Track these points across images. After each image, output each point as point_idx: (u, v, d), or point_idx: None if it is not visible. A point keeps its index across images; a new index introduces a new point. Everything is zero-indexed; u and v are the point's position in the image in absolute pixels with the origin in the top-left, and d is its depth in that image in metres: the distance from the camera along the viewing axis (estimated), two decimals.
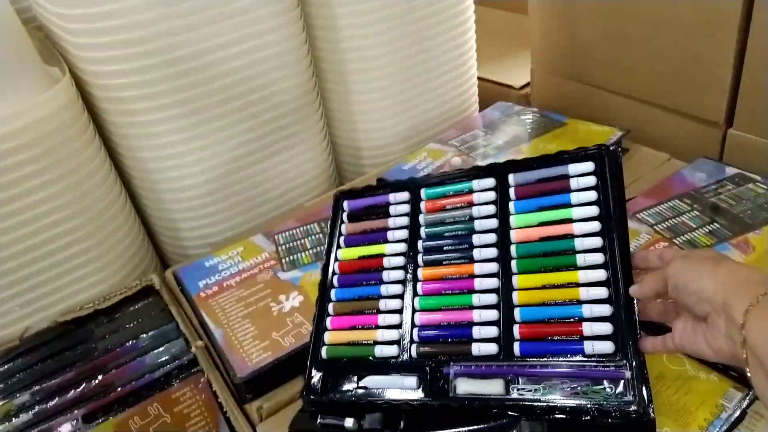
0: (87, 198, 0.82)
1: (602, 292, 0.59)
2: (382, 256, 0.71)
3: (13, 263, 0.79)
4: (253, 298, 0.79)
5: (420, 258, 0.69)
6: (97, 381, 0.75)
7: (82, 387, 0.74)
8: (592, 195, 0.64)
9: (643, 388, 0.55)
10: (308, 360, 0.68)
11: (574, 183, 0.65)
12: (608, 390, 0.56)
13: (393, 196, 0.75)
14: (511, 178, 0.69)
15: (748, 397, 0.62)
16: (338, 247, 0.75)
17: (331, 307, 0.70)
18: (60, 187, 0.79)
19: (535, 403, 0.57)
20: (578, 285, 0.60)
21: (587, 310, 0.58)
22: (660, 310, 0.58)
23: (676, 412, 0.61)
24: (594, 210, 0.63)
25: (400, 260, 0.70)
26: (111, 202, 0.87)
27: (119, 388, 0.74)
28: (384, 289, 0.69)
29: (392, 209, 0.75)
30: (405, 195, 0.75)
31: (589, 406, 0.56)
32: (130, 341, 0.80)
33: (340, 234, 0.76)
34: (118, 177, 0.92)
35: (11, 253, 0.78)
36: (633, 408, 0.54)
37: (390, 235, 0.73)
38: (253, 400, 0.71)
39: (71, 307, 0.86)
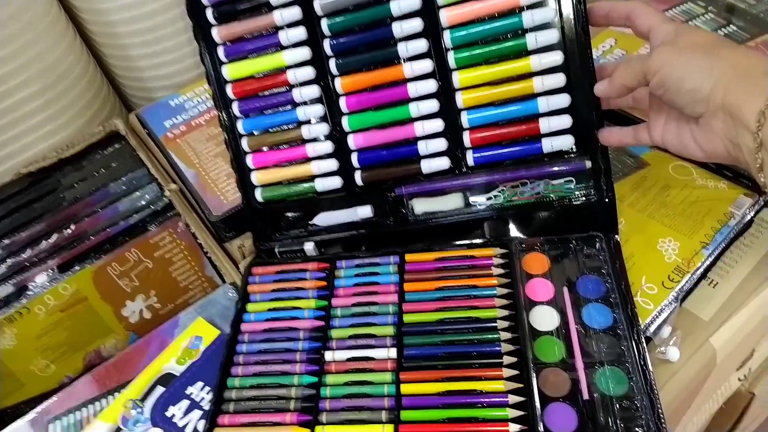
0: (39, 41, 0.70)
1: (559, 80, 0.48)
2: (283, 70, 0.54)
3: None
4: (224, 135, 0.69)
5: (333, 64, 0.54)
6: (70, 230, 0.68)
7: (54, 237, 0.67)
8: None
9: (603, 178, 0.50)
10: (245, 207, 0.59)
11: None
12: (568, 184, 0.51)
13: None
14: None
15: (758, 204, 0.55)
16: (220, 63, 0.56)
17: (244, 142, 0.57)
18: (11, 30, 0.67)
19: (498, 208, 0.52)
20: (531, 75, 0.49)
21: (543, 103, 0.49)
22: (631, 99, 0.49)
23: (682, 222, 0.54)
24: None
25: (308, 71, 0.54)
26: (62, 41, 0.74)
27: (92, 237, 0.67)
28: (301, 113, 0.55)
29: None
30: None
31: (549, 200, 0.51)
32: (101, 189, 0.72)
33: (214, 44, 0.55)
34: (71, 20, 0.78)
35: None
36: (593, 196, 0.50)
37: (282, 37, 0.53)
38: (234, 239, 0.64)
39: (33, 157, 0.76)
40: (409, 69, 0.51)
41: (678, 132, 0.43)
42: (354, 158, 0.54)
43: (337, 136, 0.54)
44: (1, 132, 0.73)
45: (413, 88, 0.51)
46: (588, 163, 0.50)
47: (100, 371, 0.54)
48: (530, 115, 0.49)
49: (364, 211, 0.55)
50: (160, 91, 0.85)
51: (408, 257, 0.53)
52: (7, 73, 0.70)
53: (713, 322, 0.51)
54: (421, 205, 0.54)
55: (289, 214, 0.58)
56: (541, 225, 0.52)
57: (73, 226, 0.69)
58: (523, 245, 0.51)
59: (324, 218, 0.56)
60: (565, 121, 0.49)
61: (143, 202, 0.70)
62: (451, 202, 0.53)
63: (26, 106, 0.74)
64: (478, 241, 0.53)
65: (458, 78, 0.50)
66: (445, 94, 0.51)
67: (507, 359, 0.45)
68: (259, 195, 0.58)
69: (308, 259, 0.57)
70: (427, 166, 0.52)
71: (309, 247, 0.56)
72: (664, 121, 0.45)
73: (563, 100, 0.49)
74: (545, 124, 0.49)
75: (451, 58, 0.50)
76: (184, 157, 0.69)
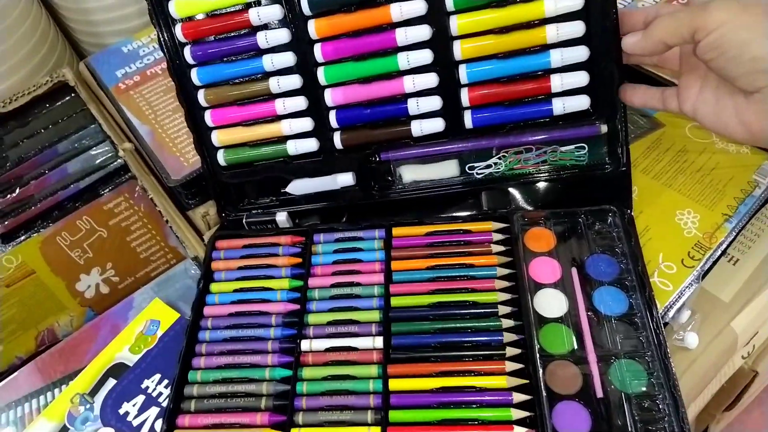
0: None
1: (577, 28, 0.40)
2: (245, 8, 0.45)
3: None
4: None
5: (304, 1, 0.44)
6: (14, 195, 0.60)
7: None
8: None
9: (621, 146, 0.43)
10: (206, 172, 0.50)
11: None
12: (579, 151, 0.44)
13: None
14: None
15: None
16: None
17: (201, 96, 0.48)
18: None
19: (497, 177, 0.45)
20: (544, 22, 0.41)
21: (557, 57, 0.41)
22: (660, 57, 0.41)
23: (701, 191, 0.48)
24: None
25: (275, 10, 0.44)
26: None
27: (39, 202, 0.59)
28: (267, 62, 0.45)
29: None
30: None
31: (556, 169, 0.45)
32: (48, 148, 0.63)
33: None
34: None
35: None
36: (607, 165, 0.44)
37: None
38: (197, 207, 0.56)
39: None
40: (397, 10, 0.42)
41: (716, 105, 0.36)
42: (332, 117, 0.46)
43: (311, 90, 0.46)
44: None
45: (402, 35, 0.43)
46: (603, 128, 0.43)
47: (44, 360, 0.47)
48: (540, 70, 0.42)
49: (345, 179, 0.47)
50: (113, 36, 0.74)
51: (395, 231, 0.46)
52: None
53: (734, 303, 0.45)
54: (410, 173, 0.47)
55: (258, 181, 0.50)
56: (546, 197, 0.45)
57: (18, 190, 0.60)
58: (526, 219, 0.45)
59: (298, 186, 0.49)
60: (581, 78, 0.41)
61: (95, 163, 0.61)
62: (444, 170, 0.46)
63: None
64: (475, 213, 0.47)
65: (456, 23, 0.42)
66: (441, 42, 0.42)
67: (510, 351, 0.39)
68: (221, 158, 0.49)
69: (281, 231, 0.49)
70: (418, 128, 0.45)
71: (282, 218, 0.49)
72: (698, 90, 0.37)
73: (581, 53, 0.41)
74: (557, 82, 0.41)
75: None
76: (138, 112, 0.60)
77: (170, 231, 0.64)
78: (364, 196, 0.48)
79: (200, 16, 0.47)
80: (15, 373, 0.47)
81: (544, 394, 0.37)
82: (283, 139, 0.48)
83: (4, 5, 0.65)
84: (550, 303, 0.41)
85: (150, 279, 0.65)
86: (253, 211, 0.50)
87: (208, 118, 0.48)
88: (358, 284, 0.44)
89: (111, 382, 0.43)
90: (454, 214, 0.46)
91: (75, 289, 0.61)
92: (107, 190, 0.59)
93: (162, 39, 0.47)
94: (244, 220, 0.50)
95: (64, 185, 0.60)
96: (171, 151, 0.56)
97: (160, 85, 0.61)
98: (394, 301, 0.43)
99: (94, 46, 0.77)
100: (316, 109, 0.46)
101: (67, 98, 0.68)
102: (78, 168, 0.61)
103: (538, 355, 0.38)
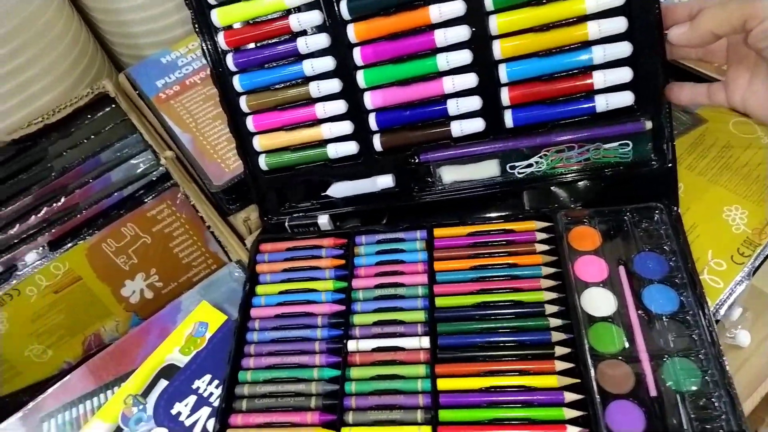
0: None
1: (619, 24, 0.40)
2: (285, 14, 0.45)
3: None
4: None
5: (343, 6, 0.44)
6: (59, 204, 0.61)
7: (43, 211, 0.60)
8: None
9: (667, 142, 0.42)
10: (248, 177, 0.51)
11: None
12: (623, 148, 0.43)
13: None
14: None
15: None
16: (208, 6, 0.46)
17: (243, 102, 0.49)
18: None
19: (539, 176, 0.45)
20: (585, 18, 0.40)
21: (599, 53, 0.41)
22: (701, 50, 0.40)
23: (747, 187, 0.47)
24: None
25: (315, 16, 0.45)
26: None
27: (84, 210, 0.60)
28: (308, 67, 0.46)
29: None
30: None
31: (600, 166, 0.44)
32: (91, 158, 0.64)
33: None
34: None
35: None
36: (653, 161, 0.43)
37: None
38: (238, 212, 0.57)
39: (16, 124, 0.69)
40: (436, 12, 0.42)
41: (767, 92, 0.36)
42: (371, 119, 0.46)
43: (350, 93, 0.46)
44: None
45: (441, 36, 0.43)
46: (648, 124, 0.42)
47: (96, 362, 0.48)
48: (582, 67, 0.41)
49: (385, 181, 0.48)
50: (151, 48, 0.76)
51: (436, 232, 0.46)
52: None
53: None
54: (449, 174, 0.47)
55: (299, 185, 0.50)
56: (590, 195, 0.45)
57: (63, 199, 0.61)
58: (570, 218, 0.44)
59: (339, 189, 0.49)
60: (625, 74, 0.41)
61: (138, 172, 0.63)
62: (484, 170, 0.46)
63: (5, 65, 0.66)
64: (517, 213, 0.46)
65: (496, 22, 0.42)
66: (480, 42, 0.42)
67: (559, 350, 0.39)
68: (263, 162, 0.50)
69: (323, 234, 0.50)
70: (458, 128, 0.45)
71: (323, 220, 0.49)
72: (747, 81, 0.37)
73: (623, 48, 0.40)
74: (600, 78, 0.41)
75: None
76: (179, 120, 0.61)
77: (210, 236, 0.65)
78: (404, 197, 0.48)
79: (239, 25, 0.48)
80: (68, 376, 0.48)
81: (597, 393, 0.37)
82: (324, 142, 0.48)
83: (47, 21, 0.67)
84: (598, 302, 0.40)
85: (192, 284, 0.66)
86: (295, 215, 0.51)
87: (250, 123, 0.49)
88: (401, 285, 0.44)
89: (163, 383, 0.44)
90: (496, 214, 0.46)
91: (120, 294, 0.62)
92: (150, 197, 0.60)
93: (205, 48, 0.48)
94: (286, 224, 0.50)
95: (108, 193, 0.61)
96: (212, 158, 0.57)
97: (199, 93, 0.62)
98: (439, 302, 0.43)
99: (132, 58, 0.78)
100: (356, 112, 0.47)
101: (108, 109, 0.69)
102: (121, 176, 0.62)
103: (588, 355, 0.38)
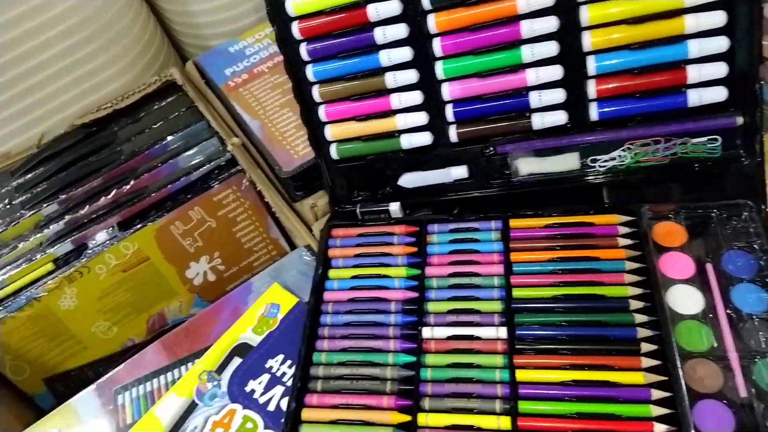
0: None
1: (718, 18, 0.39)
2: (363, 3, 0.45)
3: (17, 57, 0.63)
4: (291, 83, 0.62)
5: None
6: (128, 186, 0.63)
7: (113, 193, 0.62)
8: None
9: (758, 138, 0.41)
10: (320, 165, 0.51)
11: None
12: (711, 143, 0.42)
13: None
14: None
15: None
16: None
17: (315, 91, 0.48)
18: None
19: (622, 170, 0.44)
20: (681, 12, 0.39)
21: (695, 47, 0.40)
22: None
23: None
24: None
25: (394, 5, 0.45)
26: None
27: (153, 193, 0.61)
28: (384, 57, 0.46)
29: None
30: None
31: (686, 161, 0.43)
32: (159, 143, 0.66)
33: None
34: None
35: (16, 48, 0.63)
36: (742, 157, 0.42)
37: None
38: (304, 198, 0.58)
39: (87, 108, 0.71)
40: (524, 2, 0.41)
41: None
42: (448, 111, 0.46)
43: (427, 84, 0.46)
44: (52, 81, 0.68)
45: (528, 27, 0.42)
46: (740, 120, 0.41)
47: (170, 338, 0.49)
48: (676, 61, 0.40)
49: (459, 172, 0.47)
50: (214, 38, 0.77)
51: (512, 223, 0.46)
52: (56, 16, 0.64)
53: None
54: (527, 166, 0.46)
55: (370, 174, 0.51)
56: (674, 190, 0.44)
57: (132, 182, 0.63)
58: (653, 213, 0.43)
59: (410, 179, 0.49)
60: (720, 69, 0.40)
61: (204, 157, 0.64)
62: (563, 163, 0.45)
63: (77, 53, 0.68)
64: (597, 207, 0.45)
65: (587, 13, 0.41)
66: (569, 34, 0.42)
67: (645, 346, 0.38)
68: (334, 152, 0.50)
69: (394, 221, 0.50)
70: (540, 120, 0.44)
71: (395, 208, 0.49)
72: None
73: (720, 43, 0.39)
74: (695, 73, 0.40)
75: None
76: (248, 107, 0.62)
77: (271, 223, 0.65)
78: (478, 188, 0.48)
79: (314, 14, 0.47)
80: (142, 351, 0.49)
81: (685, 391, 0.36)
82: (397, 133, 0.48)
83: (118, 10, 0.69)
84: (684, 299, 0.39)
85: (252, 268, 0.67)
86: (365, 202, 0.51)
87: (322, 113, 0.49)
88: (476, 275, 0.44)
89: (236, 361, 0.44)
90: (574, 207, 0.46)
91: (185, 276, 0.63)
92: (216, 182, 0.61)
93: (279, 37, 0.48)
94: (357, 210, 0.50)
95: (176, 177, 0.63)
96: (281, 145, 0.58)
97: (267, 82, 0.63)
98: (516, 293, 0.42)
99: (195, 47, 0.80)
100: (432, 103, 0.46)
101: (175, 96, 0.71)
102: (188, 162, 0.64)
103: (676, 353, 0.37)
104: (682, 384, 0.36)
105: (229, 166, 0.63)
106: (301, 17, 0.47)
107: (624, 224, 0.43)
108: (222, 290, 0.66)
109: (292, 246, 0.68)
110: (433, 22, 0.44)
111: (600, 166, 0.45)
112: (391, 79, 0.47)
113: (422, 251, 0.47)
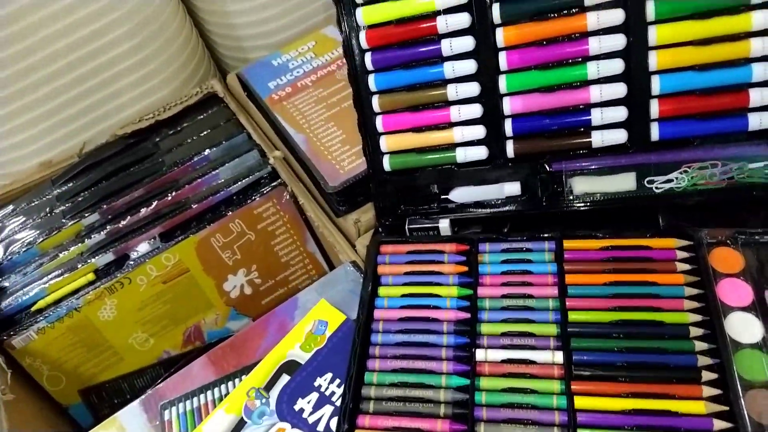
0: None
1: None
2: (432, 15, 0.45)
3: (62, 66, 0.65)
4: (335, 98, 0.63)
5: (496, 9, 0.44)
6: (170, 197, 0.63)
7: (154, 204, 0.62)
8: None
9: None
10: (370, 176, 0.51)
11: None
12: (767, 169, 0.42)
13: None
14: None
15: None
16: (354, 5, 0.47)
17: (375, 100, 0.48)
18: None
19: (679, 192, 0.43)
20: (748, 35, 0.39)
21: (759, 71, 0.39)
22: None
23: None
24: None
25: (463, 18, 0.45)
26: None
27: (194, 205, 0.62)
28: (449, 69, 0.46)
29: None
30: None
31: (744, 186, 0.42)
32: (200, 154, 0.66)
33: None
34: None
35: (62, 58, 0.64)
36: None
37: None
38: (347, 213, 0.58)
39: (128, 119, 0.72)
40: (594, 19, 0.41)
41: None
42: (507, 125, 0.46)
43: (488, 98, 0.46)
44: (96, 91, 0.69)
45: (596, 44, 0.42)
46: None
47: (216, 353, 0.48)
48: (738, 83, 0.40)
49: (512, 188, 0.47)
50: (254, 51, 0.78)
51: (567, 244, 0.45)
52: (102, 27, 0.65)
53: None
54: (582, 184, 0.46)
55: (420, 187, 0.50)
56: (732, 215, 0.43)
57: (173, 193, 0.63)
58: (711, 237, 0.43)
59: (461, 194, 0.49)
60: None
61: (245, 170, 0.64)
62: (620, 183, 0.45)
63: (122, 63, 0.69)
64: (654, 230, 0.45)
65: (656, 33, 0.41)
66: (636, 52, 0.42)
67: (706, 375, 0.37)
68: (386, 163, 0.49)
69: (443, 239, 0.49)
70: (600, 138, 0.44)
71: (444, 224, 0.49)
72: None
73: None
74: (757, 96, 0.40)
75: (651, 7, 0.40)
76: (292, 121, 0.62)
77: (309, 237, 0.66)
78: (530, 206, 0.47)
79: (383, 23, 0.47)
80: (189, 365, 0.49)
81: (748, 422, 0.35)
82: (453, 146, 0.48)
83: (162, 23, 0.70)
84: (742, 327, 0.39)
85: (287, 282, 0.67)
86: (413, 217, 0.51)
87: (379, 123, 0.49)
88: (530, 297, 0.44)
89: (285, 378, 0.44)
90: (630, 230, 0.45)
91: (222, 288, 0.63)
92: (257, 195, 0.62)
93: (346, 45, 0.48)
94: (406, 226, 0.50)
95: (217, 190, 0.63)
96: (326, 159, 0.58)
97: (311, 96, 0.64)
98: (572, 316, 0.42)
99: (235, 60, 0.81)
100: (491, 117, 0.46)
101: (216, 108, 0.72)
102: (228, 174, 0.64)
103: (737, 382, 0.37)
104: (745, 414, 0.35)
105: (270, 179, 0.63)
106: (371, 26, 0.47)
107: (681, 248, 0.43)
108: (258, 303, 0.66)
109: (328, 261, 0.68)
110: (501, 36, 0.44)
111: (657, 188, 0.44)
112: (453, 91, 0.47)
113: (473, 270, 0.47)
